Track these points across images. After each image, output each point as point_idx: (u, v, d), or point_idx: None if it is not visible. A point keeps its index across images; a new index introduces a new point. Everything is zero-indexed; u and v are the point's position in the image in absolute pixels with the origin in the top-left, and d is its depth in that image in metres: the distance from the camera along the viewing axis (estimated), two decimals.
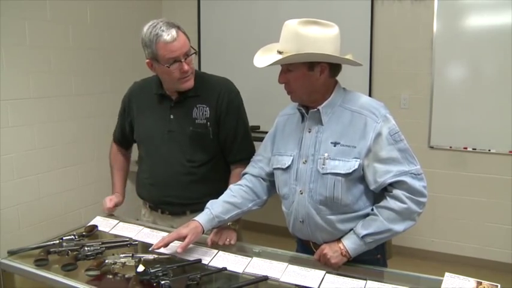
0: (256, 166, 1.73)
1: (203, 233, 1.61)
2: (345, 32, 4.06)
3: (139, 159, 2.00)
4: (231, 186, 1.73)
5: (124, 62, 3.82)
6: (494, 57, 3.26)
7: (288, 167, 1.58)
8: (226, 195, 1.68)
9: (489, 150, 3.35)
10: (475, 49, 3.30)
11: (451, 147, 3.47)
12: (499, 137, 3.29)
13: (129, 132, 2.01)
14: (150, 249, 1.58)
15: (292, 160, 1.57)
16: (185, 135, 1.83)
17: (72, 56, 3.40)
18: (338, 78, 1.57)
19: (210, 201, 1.67)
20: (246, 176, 1.74)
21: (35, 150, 3.18)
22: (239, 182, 1.73)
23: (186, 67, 1.72)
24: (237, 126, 1.87)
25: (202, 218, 1.61)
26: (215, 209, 1.63)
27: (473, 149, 3.40)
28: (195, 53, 1.77)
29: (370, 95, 3.58)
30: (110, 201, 1.98)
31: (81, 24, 3.47)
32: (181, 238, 1.55)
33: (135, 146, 2.07)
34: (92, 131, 3.60)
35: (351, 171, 1.45)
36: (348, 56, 1.51)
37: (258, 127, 3.51)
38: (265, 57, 1.49)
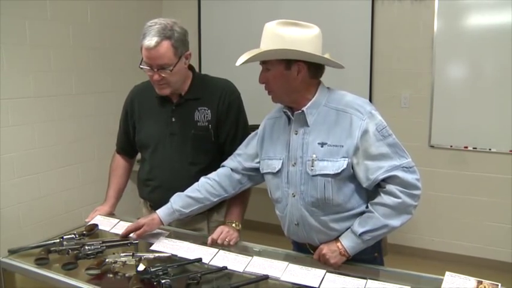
0: (235, 160, 1.76)
1: (162, 224, 1.73)
2: (346, 31, 4.06)
3: (142, 161, 2.00)
4: (201, 178, 1.78)
5: (124, 62, 3.81)
6: (495, 57, 3.25)
7: (279, 171, 1.58)
8: (190, 189, 1.75)
9: (490, 149, 3.34)
10: (476, 48, 3.30)
11: (451, 146, 3.46)
12: (500, 136, 3.28)
13: (133, 136, 1.99)
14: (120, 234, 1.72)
15: (282, 163, 1.57)
16: (187, 138, 1.84)
17: (72, 55, 3.40)
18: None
19: (176, 194, 1.75)
20: (220, 169, 1.78)
21: (36, 150, 3.18)
22: (209, 175, 1.77)
23: (155, 77, 1.72)
24: (236, 127, 1.87)
25: (162, 211, 1.73)
26: (177, 202, 1.73)
27: (473, 148, 3.40)
28: (170, 70, 1.70)
29: (370, 94, 3.58)
30: (93, 213, 1.97)
31: (82, 23, 3.47)
32: (140, 227, 1.69)
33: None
34: (93, 130, 3.60)
35: (339, 171, 1.45)
36: (326, 56, 1.49)
37: (258, 126, 3.48)
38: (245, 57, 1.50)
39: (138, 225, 1.70)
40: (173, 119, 1.85)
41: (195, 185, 1.76)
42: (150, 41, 1.65)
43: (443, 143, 3.48)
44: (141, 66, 1.73)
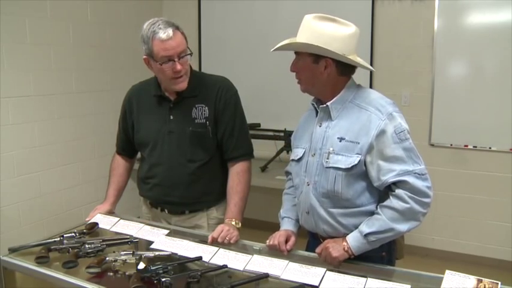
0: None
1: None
2: None
3: (141, 159, 2.01)
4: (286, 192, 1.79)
5: (124, 60, 3.82)
6: (495, 55, 3.25)
7: (300, 159, 1.63)
8: (290, 199, 1.75)
9: (490, 147, 3.34)
10: (476, 47, 3.30)
11: (451, 144, 3.46)
12: (500, 134, 3.28)
13: (132, 136, 2.00)
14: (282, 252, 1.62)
15: (304, 152, 1.61)
16: (185, 135, 1.84)
17: (72, 53, 3.40)
18: None
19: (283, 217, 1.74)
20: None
21: (36, 148, 3.18)
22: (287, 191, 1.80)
23: (178, 67, 1.72)
24: (234, 123, 1.88)
25: (289, 225, 1.71)
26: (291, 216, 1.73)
27: (473, 146, 3.40)
28: (190, 54, 1.78)
29: None
30: (93, 211, 1.97)
31: (82, 22, 3.47)
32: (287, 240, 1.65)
33: None
34: (93, 129, 3.60)
35: (350, 166, 1.47)
36: (359, 60, 1.51)
37: (259, 125, 3.48)
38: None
39: (287, 235, 1.66)
40: (171, 117, 1.86)
41: (289, 197, 1.78)
42: (166, 32, 1.69)
43: (444, 142, 3.48)
44: (160, 64, 1.71)
